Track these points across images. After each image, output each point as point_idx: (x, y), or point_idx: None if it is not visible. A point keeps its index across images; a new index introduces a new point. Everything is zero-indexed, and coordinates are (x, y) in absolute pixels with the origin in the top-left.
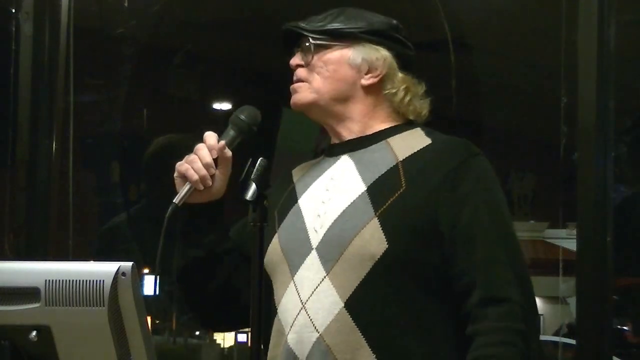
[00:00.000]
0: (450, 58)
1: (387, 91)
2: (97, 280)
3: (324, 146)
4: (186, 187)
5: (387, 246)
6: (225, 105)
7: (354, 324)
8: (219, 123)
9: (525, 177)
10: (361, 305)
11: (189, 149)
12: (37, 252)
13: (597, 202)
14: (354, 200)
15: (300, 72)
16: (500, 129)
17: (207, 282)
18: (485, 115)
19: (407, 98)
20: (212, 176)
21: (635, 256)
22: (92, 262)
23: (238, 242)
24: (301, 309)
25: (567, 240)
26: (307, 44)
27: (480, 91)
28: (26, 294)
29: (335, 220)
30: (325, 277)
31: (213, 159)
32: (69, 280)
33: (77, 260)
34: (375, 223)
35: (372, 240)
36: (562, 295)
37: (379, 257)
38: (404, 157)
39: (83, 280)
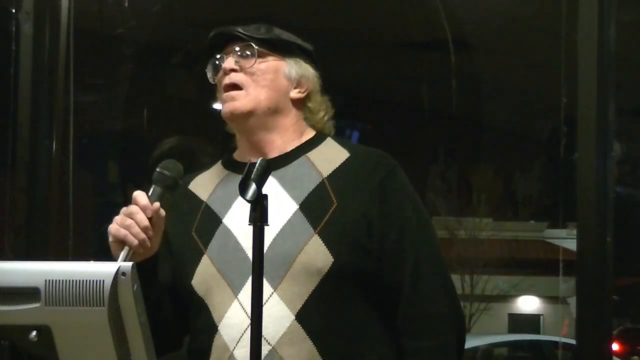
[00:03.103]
0: (450, 58)
1: (314, 109)
2: (97, 280)
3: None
4: (125, 252)
5: (332, 260)
6: None
7: (305, 334)
8: (218, 123)
9: (529, 177)
10: (311, 316)
11: (197, 152)
12: (37, 252)
13: (597, 202)
14: (289, 219)
15: (237, 77)
16: (500, 128)
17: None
18: (485, 115)
19: (326, 118)
20: (149, 237)
21: (635, 256)
22: (92, 262)
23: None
24: (250, 324)
25: (567, 240)
26: (248, 50)
27: (480, 91)
28: (26, 294)
29: (274, 239)
30: (273, 293)
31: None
32: (69, 280)
33: (77, 260)
34: (317, 239)
35: (317, 255)
36: (562, 295)
37: (325, 271)
38: (328, 174)
39: (83, 280)
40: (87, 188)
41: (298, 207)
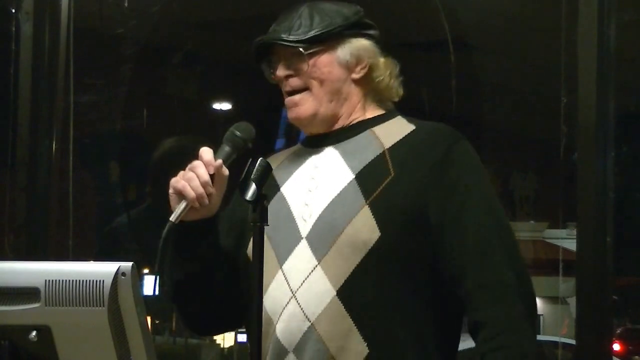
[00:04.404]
0: (450, 58)
1: (377, 79)
2: (97, 280)
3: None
4: (182, 205)
5: (379, 234)
6: (225, 105)
7: (345, 311)
8: (218, 123)
9: (527, 177)
10: (353, 292)
11: (197, 152)
12: (37, 252)
13: (597, 202)
14: (343, 189)
15: (294, 82)
16: (500, 129)
17: (204, 297)
18: (485, 115)
19: (392, 81)
20: (209, 194)
21: (635, 256)
22: (92, 262)
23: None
24: (291, 298)
25: (567, 240)
26: (298, 55)
27: (480, 91)
28: (26, 294)
29: (325, 209)
30: (317, 266)
31: (210, 176)
32: (69, 280)
33: (77, 260)
34: (366, 211)
35: (364, 228)
36: (562, 295)
37: (371, 245)
38: (390, 145)
39: (83, 280)
40: (87, 188)
41: (354, 176)
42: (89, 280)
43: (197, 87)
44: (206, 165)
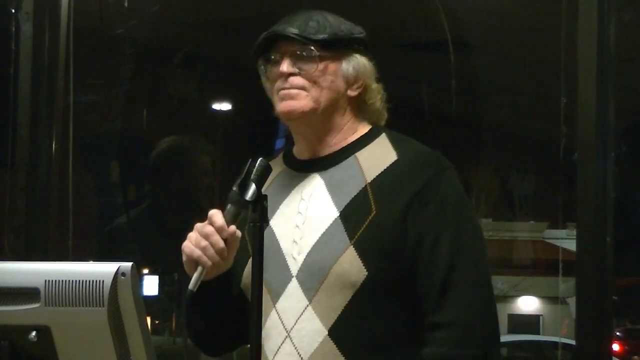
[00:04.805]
0: (450, 58)
1: (369, 102)
2: (96, 281)
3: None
4: (199, 272)
5: (366, 273)
6: (225, 106)
7: (338, 350)
8: (218, 123)
9: (526, 177)
10: (345, 331)
11: (193, 151)
12: (37, 252)
13: (597, 202)
14: (328, 227)
15: (297, 81)
16: (500, 129)
17: (219, 331)
18: (485, 115)
19: (381, 106)
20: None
21: (635, 256)
22: (92, 262)
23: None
24: (286, 337)
25: (567, 240)
26: (308, 53)
27: (480, 91)
28: (26, 294)
29: (312, 248)
30: (307, 305)
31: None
32: (69, 281)
33: (77, 261)
34: (351, 251)
35: (352, 268)
36: (562, 295)
37: (360, 284)
38: (372, 178)
39: (83, 281)
40: (87, 188)
41: (338, 214)
42: (89, 281)
43: (197, 87)
44: (219, 231)
